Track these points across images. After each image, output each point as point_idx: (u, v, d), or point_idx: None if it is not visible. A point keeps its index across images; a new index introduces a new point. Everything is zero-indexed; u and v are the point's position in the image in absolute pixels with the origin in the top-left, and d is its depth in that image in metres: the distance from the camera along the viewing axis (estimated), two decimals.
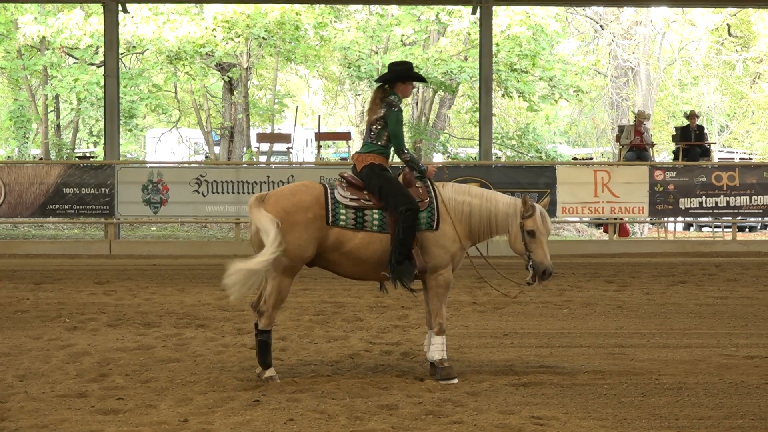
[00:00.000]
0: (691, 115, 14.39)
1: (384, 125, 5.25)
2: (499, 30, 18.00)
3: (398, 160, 5.39)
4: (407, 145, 6.00)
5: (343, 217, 5.13)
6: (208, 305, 7.74)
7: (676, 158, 14.20)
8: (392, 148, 5.33)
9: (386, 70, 5.43)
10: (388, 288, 5.32)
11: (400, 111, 5.30)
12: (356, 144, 19.99)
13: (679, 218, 13.99)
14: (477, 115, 16.04)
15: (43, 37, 18.47)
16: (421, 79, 5.50)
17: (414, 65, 5.60)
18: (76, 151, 22.21)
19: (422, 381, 5.14)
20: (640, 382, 5.15)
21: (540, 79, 19.15)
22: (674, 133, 14.91)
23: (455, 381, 5.13)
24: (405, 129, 20.35)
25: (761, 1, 17.25)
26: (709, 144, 14.96)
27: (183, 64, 18.89)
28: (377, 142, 5.30)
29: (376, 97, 5.31)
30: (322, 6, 18.22)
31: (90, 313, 7.30)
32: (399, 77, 5.30)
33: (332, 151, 27.43)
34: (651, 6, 19.29)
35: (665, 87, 24.77)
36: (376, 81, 5.51)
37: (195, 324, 6.88)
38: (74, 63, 19.80)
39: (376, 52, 20.34)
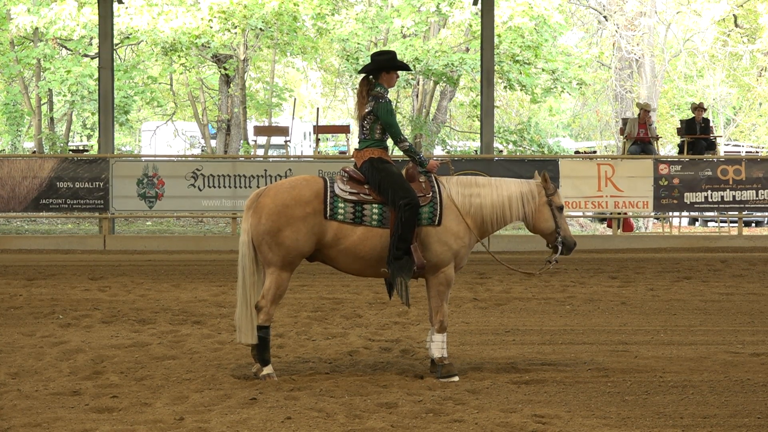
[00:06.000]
0: (697, 108, 14.22)
1: (375, 119, 5.19)
2: (501, 21, 17.85)
3: (399, 153, 5.29)
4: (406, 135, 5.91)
5: (341, 210, 5.07)
6: (204, 301, 7.69)
7: (681, 152, 14.05)
8: (389, 139, 5.26)
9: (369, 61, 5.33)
10: (393, 293, 5.22)
11: (389, 101, 5.23)
12: (355, 137, 19.80)
13: (684, 213, 13.86)
14: (478, 107, 15.90)
15: (36, 28, 18.30)
16: (406, 67, 5.41)
17: (397, 53, 5.47)
18: (69, 144, 22.05)
19: (422, 379, 5.11)
20: (644, 380, 5.11)
21: (543, 71, 18.99)
22: (679, 125, 14.77)
23: (456, 379, 5.10)
24: (405, 123, 20.27)
25: None
26: (715, 137, 14.83)
27: (179, 56, 18.73)
28: (371, 136, 5.24)
29: (362, 90, 5.24)
30: None
31: (84, 309, 7.25)
32: (382, 67, 5.21)
33: (331, 145, 27.31)
34: None
35: (670, 79, 24.57)
36: (359, 72, 5.43)
37: (191, 321, 6.84)
38: (68, 54, 19.63)
39: (376, 44, 20.17)
